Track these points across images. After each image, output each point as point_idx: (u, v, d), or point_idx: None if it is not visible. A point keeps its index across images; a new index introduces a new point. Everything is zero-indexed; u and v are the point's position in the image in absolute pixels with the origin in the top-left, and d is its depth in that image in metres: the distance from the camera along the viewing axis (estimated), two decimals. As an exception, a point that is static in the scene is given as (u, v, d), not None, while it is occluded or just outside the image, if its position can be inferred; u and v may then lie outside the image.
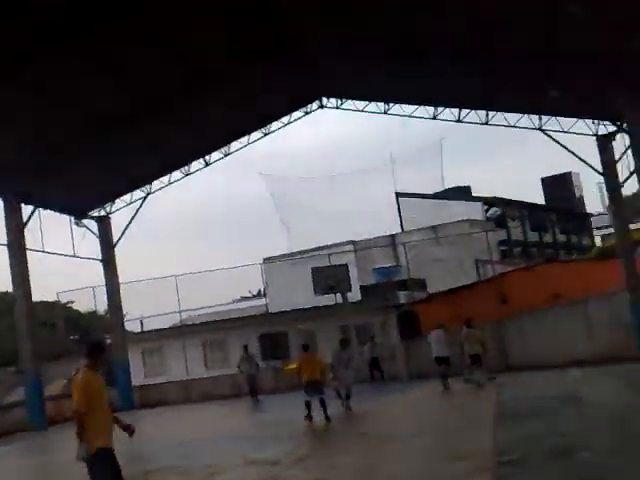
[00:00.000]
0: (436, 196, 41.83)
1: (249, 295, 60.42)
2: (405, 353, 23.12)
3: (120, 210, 25.48)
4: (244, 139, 25.36)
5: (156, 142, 21.75)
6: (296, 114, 25.13)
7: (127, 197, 25.45)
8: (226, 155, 25.63)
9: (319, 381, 14.42)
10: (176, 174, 25.52)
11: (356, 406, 15.53)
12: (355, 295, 25.56)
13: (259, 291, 60.47)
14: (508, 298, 22.93)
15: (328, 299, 24.81)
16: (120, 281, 25.22)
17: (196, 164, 25.53)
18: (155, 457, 11.90)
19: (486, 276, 28.53)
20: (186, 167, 25.50)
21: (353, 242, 34.59)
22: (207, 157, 25.48)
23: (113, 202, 25.39)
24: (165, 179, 25.54)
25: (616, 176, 20.98)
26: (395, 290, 25.98)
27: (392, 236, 35.21)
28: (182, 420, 18.11)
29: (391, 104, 23.57)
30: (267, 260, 35.58)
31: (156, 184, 25.50)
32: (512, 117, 22.30)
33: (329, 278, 22.87)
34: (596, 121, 21.18)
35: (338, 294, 23.69)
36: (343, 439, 11.94)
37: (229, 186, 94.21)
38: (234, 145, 25.43)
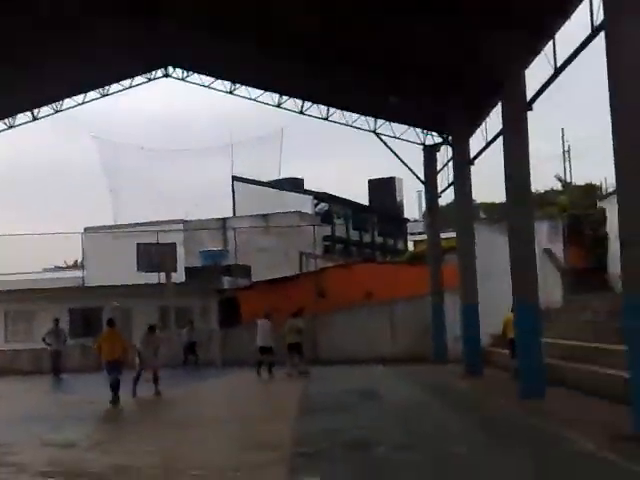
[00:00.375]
0: (270, 185, 42.32)
1: (63, 265, 56.91)
2: (222, 339, 23.23)
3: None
4: (79, 97, 23.98)
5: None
6: (139, 79, 24.21)
7: None
8: (57, 111, 24.11)
9: (118, 360, 14.01)
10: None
11: (167, 391, 15.34)
12: (179, 276, 25.13)
13: (75, 262, 57.23)
14: (326, 293, 23.89)
15: (151, 277, 24.15)
16: None
17: (23, 117, 23.93)
18: None
19: (309, 269, 29.49)
20: (11, 119, 23.71)
21: (183, 221, 33.97)
22: (36, 111, 23.78)
23: None
24: None
25: (435, 186, 22.68)
26: (220, 275, 25.92)
27: (223, 220, 35.06)
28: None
29: (237, 85, 23.50)
30: (88, 230, 33.78)
31: None
32: (350, 117, 23.20)
33: (155, 256, 22.25)
34: (425, 131, 22.75)
35: (162, 273, 23.13)
36: (146, 424, 11.75)
37: (57, 146, 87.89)
38: (67, 102, 23.96)
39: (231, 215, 38.04)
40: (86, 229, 33.79)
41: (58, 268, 51.50)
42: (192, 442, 9.62)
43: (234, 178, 42.01)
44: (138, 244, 23.06)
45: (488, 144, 16.95)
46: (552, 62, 12.24)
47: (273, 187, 41.95)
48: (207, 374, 20.24)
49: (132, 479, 7.31)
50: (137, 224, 32.02)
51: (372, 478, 7.04)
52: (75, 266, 53.57)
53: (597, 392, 12.16)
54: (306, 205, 39.71)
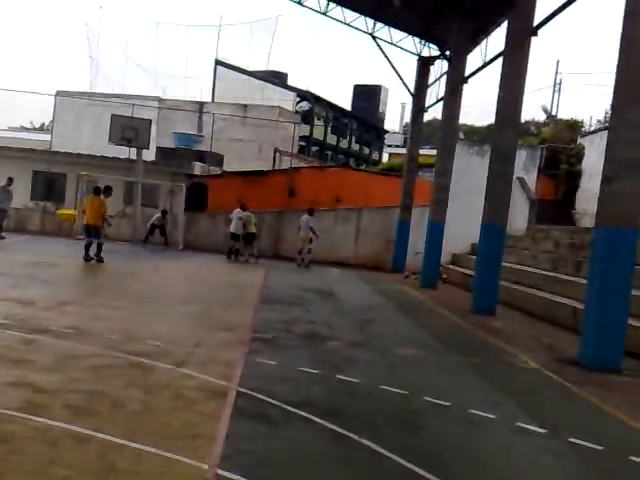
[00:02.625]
0: (254, 75, 41.03)
1: (29, 127, 55.28)
2: (187, 224, 23.15)
3: None
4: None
5: None
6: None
7: None
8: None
9: (96, 225, 15.48)
10: None
11: (127, 264, 15.38)
12: (150, 155, 24.61)
13: (42, 125, 55.64)
14: (296, 192, 23.80)
15: (120, 151, 23.60)
16: None
17: None
18: None
19: (281, 166, 29.21)
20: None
21: (159, 99, 32.94)
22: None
23: None
24: None
25: (423, 100, 22.28)
26: (192, 159, 25.45)
27: (201, 104, 34.09)
28: None
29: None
30: (61, 93, 32.52)
31: None
32: (349, 16, 22.30)
33: (128, 129, 21.57)
34: (423, 42, 22.05)
35: (133, 149, 22.59)
36: (107, 292, 11.79)
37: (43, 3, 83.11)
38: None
39: (210, 100, 36.98)
40: (58, 92, 32.53)
41: (24, 129, 50.00)
42: (157, 315, 9.76)
43: (217, 62, 40.57)
44: (113, 115, 22.31)
45: (485, 64, 16.55)
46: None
47: (256, 78, 40.71)
48: (169, 255, 20.29)
49: (90, 341, 7.37)
50: (113, 95, 30.93)
51: (323, 368, 7.24)
52: (41, 129, 52.16)
53: (546, 318, 12.67)
54: (287, 101, 38.79)
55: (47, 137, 35.33)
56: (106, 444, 4.44)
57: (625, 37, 8.41)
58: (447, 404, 6.28)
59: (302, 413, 5.52)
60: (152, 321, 9.23)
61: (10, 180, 20.15)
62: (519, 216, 20.83)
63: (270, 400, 5.78)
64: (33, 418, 4.74)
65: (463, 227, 18.68)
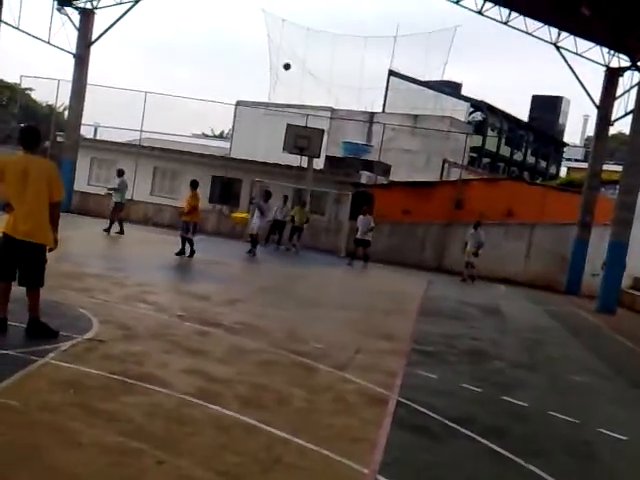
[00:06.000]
0: (427, 85, 40.77)
1: (210, 134, 59.42)
2: (351, 231, 23.46)
3: (109, 8, 23.87)
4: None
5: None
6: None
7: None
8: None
9: (185, 220, 15.51)
10: None
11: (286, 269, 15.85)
12: (319, 164, 25.34)
13: (221, 132, 59.53)
14: (464, 204, 23.23)
15: (292, 159, 24.56)
16: (88, 82, 24.10)
17: None
18: (90, 265, 12.02)
19: (449, 178, 28.69)
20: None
21: (332, 109, 33.85)
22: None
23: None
24: None
25: (610, 113, 20.80)
26: (359, 168, 25.82)
27: (372, 114, 34.53)
28: (117, 238, 18.16)
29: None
30: (241, 103, 34.60)
31: None
32: (532, 25, 21.34)
33: (302, 138, 22.38)
34: (611, 52, 20.61)
35: (304, 158, 23.39)
36: (276, 293, 12.26)
37: (230, 17, 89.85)
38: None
39: (380, 111, 37.34)
40: (239, 102, 34.61)
41: (205, 135, 53.86)
42: (315, 317, 10.00)
43: (390, 73, 40.88)
44: (288, 125, 23.22)
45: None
46: None
47: (429, 88, 40.41)
48: (320, 260, 20.54)
49: (258, 337, 7.69)
50: (288, 105, 32.31)
51: (487, 387, 6.94)
52: (221, 136, 55.85)
53: None
54: (460, 111, 38.07)
55: (226, 144, 37.71)
56: (273, 436, 4.59)
57: None
58: (624, 438, 5.76)
59: (464, 430, 5.33)
60: (315, 323, 9.44)
61: (120, 172, 19.69)
62: None
63: (430, 413, 5.64)
64: (208, 405, 5.01)
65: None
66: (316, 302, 11.67)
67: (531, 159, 53.07)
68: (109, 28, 23.68)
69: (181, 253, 15.20)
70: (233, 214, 25.09)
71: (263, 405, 5.26)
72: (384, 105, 39.51)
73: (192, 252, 15.23)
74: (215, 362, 6.35)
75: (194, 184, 16.02)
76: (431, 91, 39.80)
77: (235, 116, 35.02)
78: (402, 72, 40.73)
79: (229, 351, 6.91)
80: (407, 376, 6.89)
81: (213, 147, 37.85)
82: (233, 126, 36.59)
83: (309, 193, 22.91)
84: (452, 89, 43.91)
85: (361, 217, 20.14)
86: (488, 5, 21.30)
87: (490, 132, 46.75)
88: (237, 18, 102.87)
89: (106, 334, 6.70)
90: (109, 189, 20.21)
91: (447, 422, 5.46)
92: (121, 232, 18.31)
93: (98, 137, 30.59)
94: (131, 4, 23.43)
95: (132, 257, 14.95)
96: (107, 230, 18.16)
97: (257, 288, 12.96)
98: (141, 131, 26.51)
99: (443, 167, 30.11)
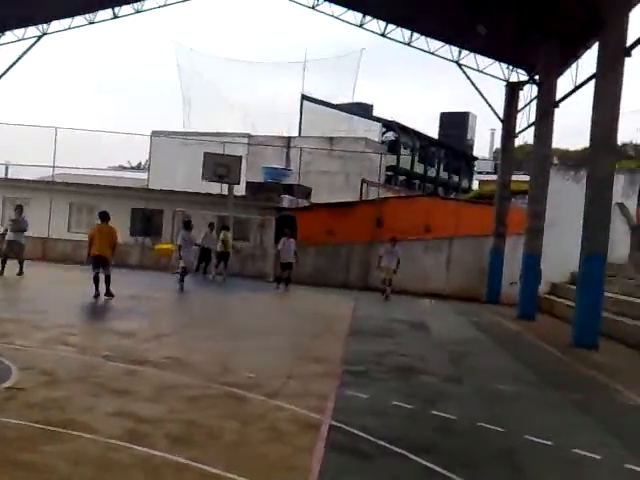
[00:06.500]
0: (339, 107, 41.61)
1: (127, 166, 58.30)
2: (277, 255, 23.47)
3: (10, 44, 23.33)
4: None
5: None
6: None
7: (20, 32, 23.37)
8: (138, 12, 23.95)
9: (105, 257, 13.94)
10: (79, 20, 23.78)
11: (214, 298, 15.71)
12: (240, 190, 25.31)
13: (139, 164, 58.53)
14: (384, 222, 23.72)
15: (212, 187, 24.41)
16: (-5, 122, 23.34)
17: (104, 14, 23.89)
18: (5, 309, 11.49)
19: (369, 197, 29.25)
20: (92, 14, 23.75)
21: (249, 136, 33.93)
22: (117, 9, 23.73)
23: (3, 33, 23.14)
24: (66, 22, 23.76)
25: (513, 126, 21.79)
26: (280, 193, 25.96)
27: (289, 139, 34.86)
28: (35, 276, 17.45)
29: (320, 1, 22.71)
30: (156, 133, 34.18)
31: (55, 25, 23.71)
32: (434, 44, 22.22)
33: (220, 166, 22.31)
34: (510, 67, 21.64)
35: (224, 185, 23.31)
36: (204, 324, 12.09)
37: (137, 47, 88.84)
38: (149, 3, 23.76)
39: (297, 135, 37.75)
40: (154, 132, 34.17)
41: (122, 168, 52.76)
42: (245, 346, 9.92)
43: (303, 97, 41.46)
44: (205, 153, 23.11)
45: (577, 87, 16.04)
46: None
47: (342, 110, 41.26)
48: (248, 286, 20.56)
49: (187, 372, 7.56)
50: (204, 133, 32.15)
51: (417, 402, 7.09)
52: (138, 168, 54.88)
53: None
54: (373, 132, 38.99)
55: (144, 175, 37.09)
56: (204, 473, 4.52)
57: None
58: (549, 443, 5.99)
59: (396, 449, 5.41)
60: (245, 352, 9.37)
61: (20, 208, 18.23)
62: (620, 243, 19.80)
63: (363, 434, 5.70)
64: (136, 447, 4.89)
65: (561, 255, 17.96)
66: (246, 330, 11.58)
67: (444, 174, 54.92)
68: (12, 65, 23.11)
69: (105, 294, 13.86)
70: (156, 246, 24.63)
71: (194, 442, 5.18)
72: (300, 129, 40.01)
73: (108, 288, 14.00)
74: (143, 401, 6.20)
75: (105, 216, 14.51)
76: (344, 113, 40.68)
77: (151, 147, 34.56)
78: (315, 96, 41.48)
79: (157, 389, 6.76)
80: (339, 398, 6.94)
81: (131, 179, 37.15)
82: (150, 157, 36.07)
83: (232, 220, 22.82)
84: (364, 110, 45.01)
85: (284, 240, 20.30)
86: (391, 27, 22.14)
87: (403, 151, 48.14)
88: (149, 50, 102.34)
89: (26, 381, 6.44)
90: (5, 229, 18.79)
91: (380, 442, 5.53)
92: (20, 273, 17.05)
93: (10, 176, 29.45)
94: (34, 40, 22.96)
95: (50, 298, 14.36)
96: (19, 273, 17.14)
97: (185, 320, 12.75)
98: (54, 167, 25.74)
99: (362, 187, 30.70)
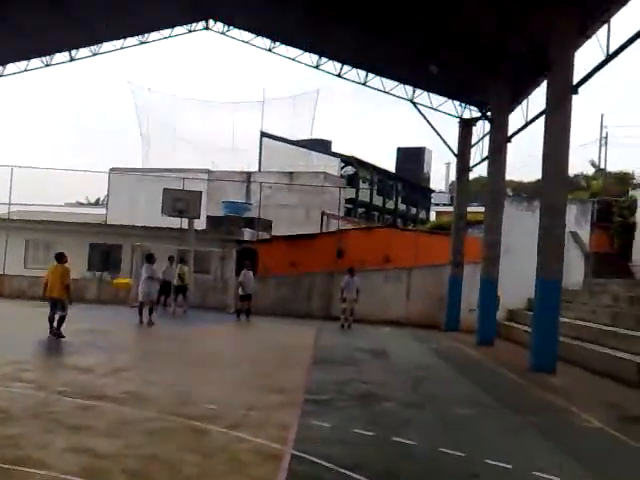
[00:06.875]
0: (298, 144, 42.16)
1: (85, 202, 57.64)
2: (237, 288, 23.36)
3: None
4: (118, 42, 24.04)
5: (20, 24, 19.99)
6: (179, 29, 24.20)
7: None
8: (94, 54, 24.29)
9: (59, 298, 13.33)
10: (36, 62, 24.13)
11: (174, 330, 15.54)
12: (201, 224, 25.27)
13: (97, 200, 57.87)
14: (345, 254, 23.92)
15: (172, 222, 24.30)
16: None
17: (60, 57, 24.24)
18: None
19: (329, 229, 29.50)
20: (48, 57, 24.05)
21: (208, 171, 34.03)
22: (74, 52, 23.96)
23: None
24: (22, 65, 24.13)
25: (468, 160, 22.36)
26: (241, 226, 25.99)
27: (248, 174, 35.09)
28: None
29: (277, 43, 23.20)
30: (114, 170, 34.06)
31: (11, 68, 24.21)
32: (388, 84, 22.76)
33: (180, 201, 22.29)
34: (463, 104, 22.29)
35: (184, 219, 23.24)
36: (163, 357, 11.93)
37: (94, 88, 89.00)
38: (106, 46, 24.01)
39: (257, 170, 38.01)
40: (112, 169, 34.04)
41: (80, 204, 52.12)
42: (206, 379, 9.82)
43: (262, 134, 41.88)
44: (164, 189, 23.08)
45: (527, 123, 16.60)
46: (604, 47, 11.89)
47: (301, 146, 41.79)
48: (209, 318, 20.34)
49: (146, 405, 7.45)
50: (164, 169, 32.14)
51: (378, 430, 7.11)
52: (96, 203, 54.28)
53: (608, 374, 12.17)
54: (332, 167, 39.49)
55: (102, 211, 36.73)
56: (163, 507, 4.45)
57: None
58: (508, 466, 6.06)
59: (357, 476, 5.41)
60: (206, 384, 9.28)
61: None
62: (574, 270, 20.35)
63: (324, 463, 5.68)
64: (92, 482, 4.79)
65: (518, 283, 18.31)
66: (207, 362, 11.47)
67: (402, 206, 55.81)
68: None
69: (58, 335, 13.10)
70: (115, 280, 24.31)
71: (152, 477, 5.10)
72: (259, 164, 40.38)
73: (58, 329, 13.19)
74: (100, 437, 6.08)
75: (60, 257, 13.90)
76: (303, 149, 41.21)
77: (110, 183, 34.37)
78: (273, 133, 42.00)
79: (115, 423, 6.63)
80: (301, 428, 6.91)
81: (90, 214, 36.69)
82: (108, 193, 35.81)
83: (192, 253, 22.70)
84: (323, 146, 45.68)
85: (244, 272, 20.32)
86: (347, 68, 22.69)
87: (362, 184, 48.86)
88: (106, 89, 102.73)
89: (-23, 421, 6.25)
90: None
91: (341, 470, 5.52)
92: None
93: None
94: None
95: (5, 334, 13.99)
96: None
97: (144, 354, 12.56)
98: (9, 204, 25.41)
99: (322, 219, 30.96)
